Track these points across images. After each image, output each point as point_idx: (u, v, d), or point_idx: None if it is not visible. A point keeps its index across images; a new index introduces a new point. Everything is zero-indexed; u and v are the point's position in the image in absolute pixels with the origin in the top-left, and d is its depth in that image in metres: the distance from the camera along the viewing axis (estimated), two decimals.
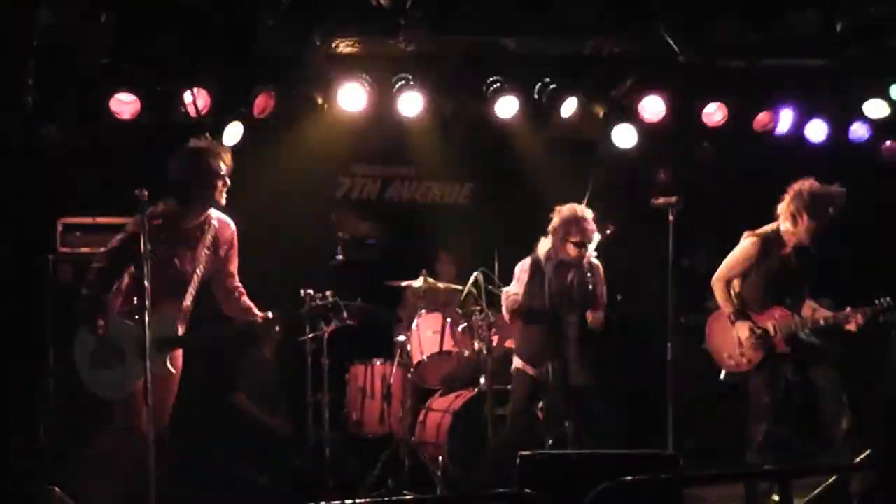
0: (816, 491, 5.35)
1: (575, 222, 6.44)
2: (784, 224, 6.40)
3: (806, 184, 6.36)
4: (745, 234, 6.54)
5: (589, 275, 6.58)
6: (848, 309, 6.28)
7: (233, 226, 5.66)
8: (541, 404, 6.78)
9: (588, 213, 6.54)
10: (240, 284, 5.71)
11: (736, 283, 6.52)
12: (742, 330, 6.37)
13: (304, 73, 7.23)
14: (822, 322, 6.31)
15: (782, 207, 6.44)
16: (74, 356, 5.41)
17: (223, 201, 5.53)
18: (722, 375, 6.56)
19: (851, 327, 6.24)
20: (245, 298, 5.67)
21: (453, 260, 7.95)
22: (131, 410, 5.22)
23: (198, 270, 5.48)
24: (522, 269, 6.68)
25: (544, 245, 6.63)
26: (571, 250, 6.46)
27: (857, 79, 8.01)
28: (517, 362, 6.65)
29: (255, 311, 5.61)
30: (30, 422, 6.77)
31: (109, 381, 5.32)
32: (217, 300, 5.69)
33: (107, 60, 5.32)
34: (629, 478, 4.03)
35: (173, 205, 5.45)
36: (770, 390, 6.35)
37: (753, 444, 6.35)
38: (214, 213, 5.60)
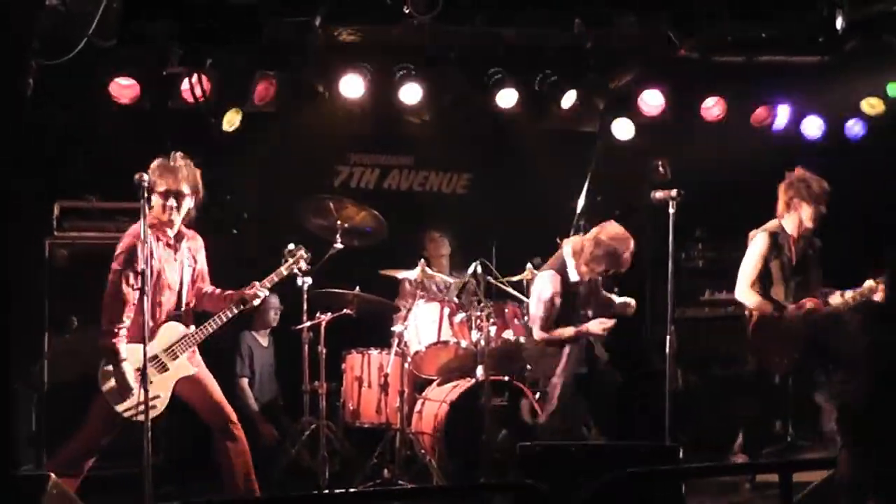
0: (812, 485, 5.40)
1: (618, 257, 6.43)
2: (785, 217, 6.50)
3: (794, 174, 6.53)
4: (752, 233, 6.62)
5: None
6: (869, 281, 6.27)
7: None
8: None
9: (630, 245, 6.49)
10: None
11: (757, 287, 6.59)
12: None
13: (305, 61, 7.19)
14: (854, 300, 6.32)
15: (780, 202, 6.54)
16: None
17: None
18: (776, 379, 6.60)
19: (878, 297, 6.16)
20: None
21: (447, 244, 7.99)
22: None
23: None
24: (548, 293, 6.64)
25: (567, 260, 6.64)
26: (591, 275, 6.54)
27: (855, 76, 8.04)
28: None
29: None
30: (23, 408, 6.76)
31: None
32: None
33: (109, 44, 5.28)
34: (631, 470, 4.07)
35: None
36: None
37: None
38: None
